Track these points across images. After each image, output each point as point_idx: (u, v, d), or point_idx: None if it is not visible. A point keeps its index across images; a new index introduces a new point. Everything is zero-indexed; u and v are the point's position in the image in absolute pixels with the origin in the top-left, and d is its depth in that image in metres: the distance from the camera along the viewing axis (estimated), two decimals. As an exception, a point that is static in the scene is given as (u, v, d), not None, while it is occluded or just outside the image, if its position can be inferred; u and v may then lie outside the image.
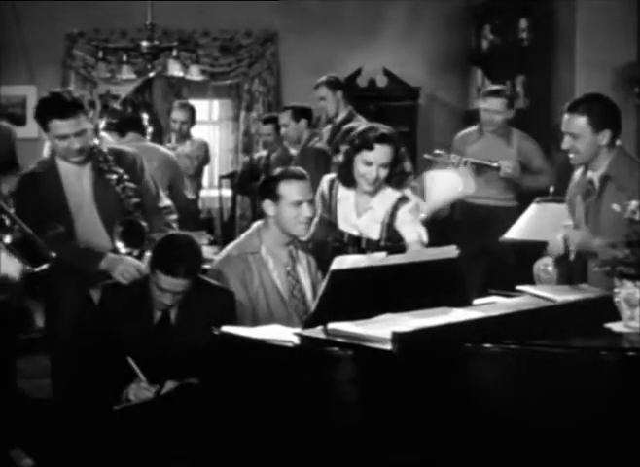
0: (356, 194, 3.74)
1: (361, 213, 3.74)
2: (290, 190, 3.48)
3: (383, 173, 3.65)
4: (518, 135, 5.29)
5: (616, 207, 3.28)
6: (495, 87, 5.63)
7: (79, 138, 3.54)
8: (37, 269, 3.08)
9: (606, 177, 3.40)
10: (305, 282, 3.57)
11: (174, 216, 3.88)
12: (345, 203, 3.76)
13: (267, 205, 3.51)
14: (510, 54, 6.96)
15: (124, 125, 5.58)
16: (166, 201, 3.88)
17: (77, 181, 3.68)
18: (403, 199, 3.73)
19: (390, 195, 3.73)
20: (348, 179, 3.72)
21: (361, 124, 4.92)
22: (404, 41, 7.74)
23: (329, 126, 5.90)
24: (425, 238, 3.73)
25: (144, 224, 3.55)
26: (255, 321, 3.31)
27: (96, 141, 3.73)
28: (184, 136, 6.37)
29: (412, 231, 3.70)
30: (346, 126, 4.79)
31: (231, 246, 3.62)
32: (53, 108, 3.54)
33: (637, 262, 2.78)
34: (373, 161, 3.62)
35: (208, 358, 2.91)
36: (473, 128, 5.46)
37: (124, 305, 3.33)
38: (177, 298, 3.27)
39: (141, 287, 3.35)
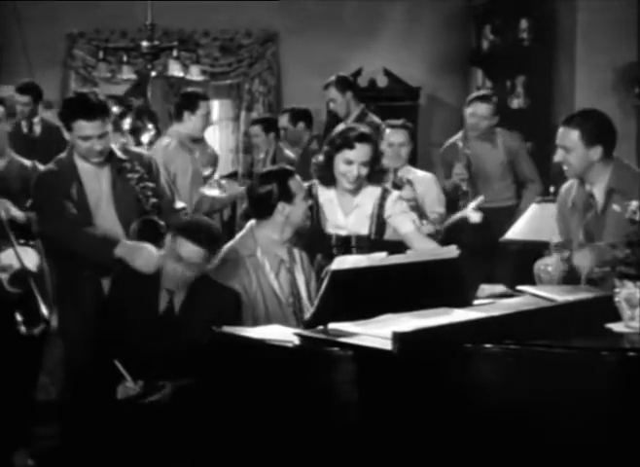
0: (338, 194, 3.79)
1: (348, 212, 3.79)
2: (298, 186, 3.59)
3: (364, 171, 3.72)
4: (502, 134, 5.34)
5: (616, 208, 3.28)
6: (482, 92, 5.73)
7: (101, 140, 3.56)
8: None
9: (610, 190, 3.40)
10: (300, 279, 3.59)
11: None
12: (329, 206, 3.80)
13: (282, 208, 3.53)
14: (510, 55, 6.96)
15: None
16: (180, 204, 3.92)
17: (96, 181, 3.69)
18: (387, 191, 3.84)
19: (373, 190, 3.80)
20: (328, 179, 3.78)
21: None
22: (404, 41, 7.74)
23: (342, 126, 5.88)
24: (418, 222, 3.88)
25: (161, 223, 3.57)
26: (255, 323, 3.32)
27: (113, 144, 3.73)
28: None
29: (406, 220, 3.79)
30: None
31: (226, 248, 3.63)
32: (79, 109, 3.55)
33: (637, 262, 2.78)
34: (354, 159, 3.70)
35: (208, 358, 2.92)
36: (457, 137, 5.48)
37: (132, 292, 3.36)
38: (187, 276, 3.30)
39: (151, 275, 3.37)
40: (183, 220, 3.56)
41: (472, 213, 4.67)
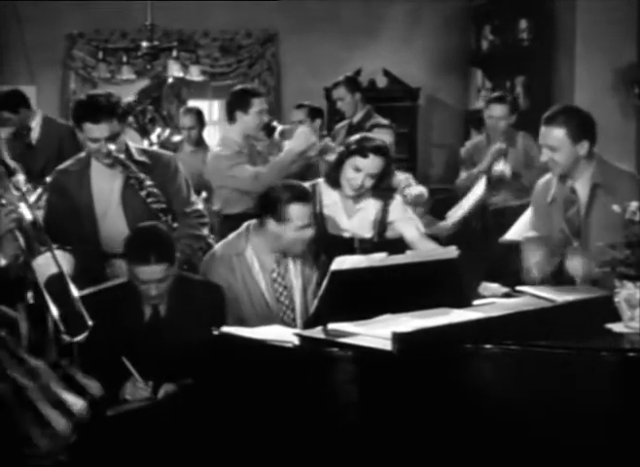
0: (342, 197, 3.80)
1: (351, 215, 3.80)
2: (298, 214, 3.42)
3: (369, 183, 3.74)
4: (521, 136, 5.44)
5: (616, 208, 3.27)
6: (497, 93, 5.79)
7: (110, 142, 3.57)
8: None
9: (595, 185, 3.41)
10: (296, 285, 3.55)
11: (204, 219, 3.88)
12: (333, 208, 3.81)
13: (270, 223, 3.45)
14: (510, 55, 6.96)
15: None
16: (196, 206, 3.89)
17: (108, 183, 3.70)
18: (390, 196, 3.86)
19: (376, 202, 3.82)
20: (334, 180, 3.79)
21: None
22: (404, 41, 7.74)
23: (344, 123, 5.87)
24: (422, 228, 3.87)
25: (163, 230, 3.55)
26: (240, 322, 3.30)
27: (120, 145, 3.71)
28: (197, 142, 6.32)
29: (411, 226, 3.82)
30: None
31: (217, 246, 3.62)
32: (86, 111, 3.57)
33: (637, 262, 2.78)
34: (363, 168, 3.71)
35: (208, 358, 2.92)
36: (480, 138, 5.63)
37: (109, 311, 3.21)
38: (162, 287, 3.24)
39: (126, 290, 3.31)
40: (125, 238, 3.38)
41: (504, 166, 4.76)
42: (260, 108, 4.70)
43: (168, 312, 3.33)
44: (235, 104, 4.71)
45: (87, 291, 3.19)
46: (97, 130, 3.55)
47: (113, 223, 3.68)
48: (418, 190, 4.52)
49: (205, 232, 3.87)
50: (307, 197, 3.49)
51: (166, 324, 3.31)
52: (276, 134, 4.92)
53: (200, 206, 3.93)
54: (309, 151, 4.58)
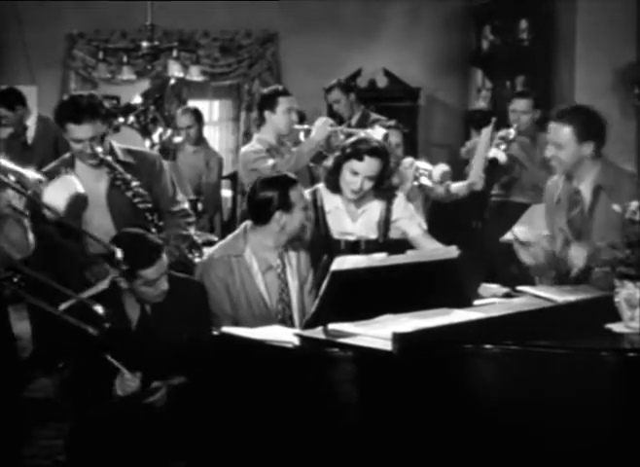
0: (344, 201, 3.80)
1: (355, 218, 3.79)
2: (299, 196, 3.50)
3: (368, 185, 3.73)
4: (544, 136, 5.42)
5: (616, 208, 3.28)
6: (521, 89, 5.95)
7: (93, 143, 3.57)
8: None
9: (598, 187, 3.40)
10: (293, 284, 3.56)
11: (190, 219, 3.89)
12: (336, 213, 3.80)
13: (280, 217, 3.45)
14: (510, 55, 6.96)
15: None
16: (182, 205, 3.89)
17: (94, 183, 3.68)
18: (392, 195, 3.86)
19: (379, 203, 3.82)
20: (334, 185, 3.79)
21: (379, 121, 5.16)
22: (404, 41, 7.75)
23: (357, 136, 5.89)
24: (425, 226, 3.89)
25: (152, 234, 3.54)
26: (236, 323, 3.31)
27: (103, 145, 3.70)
28: (197, 141, 6.34)
29: (414, 224, 3.84)
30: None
31: (215, 248, 3.62)
32: (68, 112, 3.57)
33: (638, 262, 2.78)
34: (360, 171, 3.70)
35: (206, 357, 2.92)
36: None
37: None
38: (165, 283, 3.25)
39: (111, 294, 3.28)
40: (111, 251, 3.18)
41: (498, 153, 4.80)
42: (287, 106, 4.66)
43: (156, 311, 3.32)
44: (264, 105, 4.72)
45: (70, 302, 3.02)
46: (80, 131, 3.55)
47: (99, 223, 3.66)
48: (441, 168, 4.69)
49: (192, 231, 3.88)
50: (296, 179, 3.56)
51: (155, 322, 3.30)
52: (301, 135, 4.93)
53: (186, 205, 3.93)
54: (332, 139, 4.68)
